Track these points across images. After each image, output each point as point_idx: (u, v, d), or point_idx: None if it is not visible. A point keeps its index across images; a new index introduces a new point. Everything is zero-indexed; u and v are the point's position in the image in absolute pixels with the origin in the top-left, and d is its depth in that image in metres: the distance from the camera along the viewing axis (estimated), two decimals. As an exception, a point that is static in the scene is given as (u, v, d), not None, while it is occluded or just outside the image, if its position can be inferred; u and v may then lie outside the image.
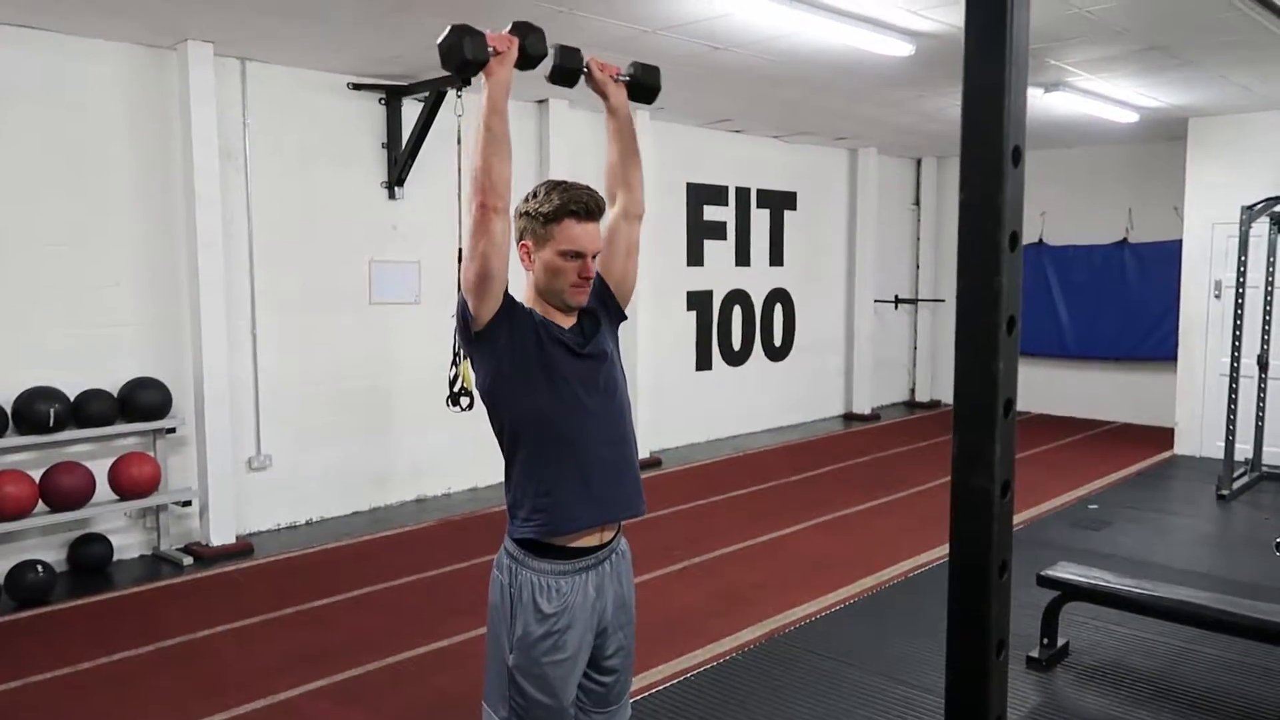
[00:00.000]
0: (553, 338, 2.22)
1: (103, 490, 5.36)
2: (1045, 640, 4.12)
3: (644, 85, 2.43)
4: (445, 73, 7.05)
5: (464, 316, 2.19)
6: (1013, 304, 0.99)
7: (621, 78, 2.42)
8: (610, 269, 2.40)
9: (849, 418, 10.82)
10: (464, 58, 2.05)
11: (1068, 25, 5.25)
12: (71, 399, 5.26)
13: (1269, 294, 7.20)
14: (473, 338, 2.20)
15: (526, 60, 2.19)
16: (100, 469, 5.35)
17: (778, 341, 10.15)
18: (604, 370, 2.29)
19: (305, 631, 4.59)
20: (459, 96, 6.18)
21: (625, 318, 2.44)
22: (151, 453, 5.61)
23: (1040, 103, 7.07)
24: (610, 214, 2.42)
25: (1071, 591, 4.10)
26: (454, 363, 5.75)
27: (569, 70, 2.32)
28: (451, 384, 5.69)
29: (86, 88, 5.45)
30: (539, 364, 2.19)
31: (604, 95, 2.40)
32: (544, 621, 2.17)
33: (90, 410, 5.30)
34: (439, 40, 2.08)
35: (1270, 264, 7.17)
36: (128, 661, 4.23)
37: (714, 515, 6.67)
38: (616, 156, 2.44)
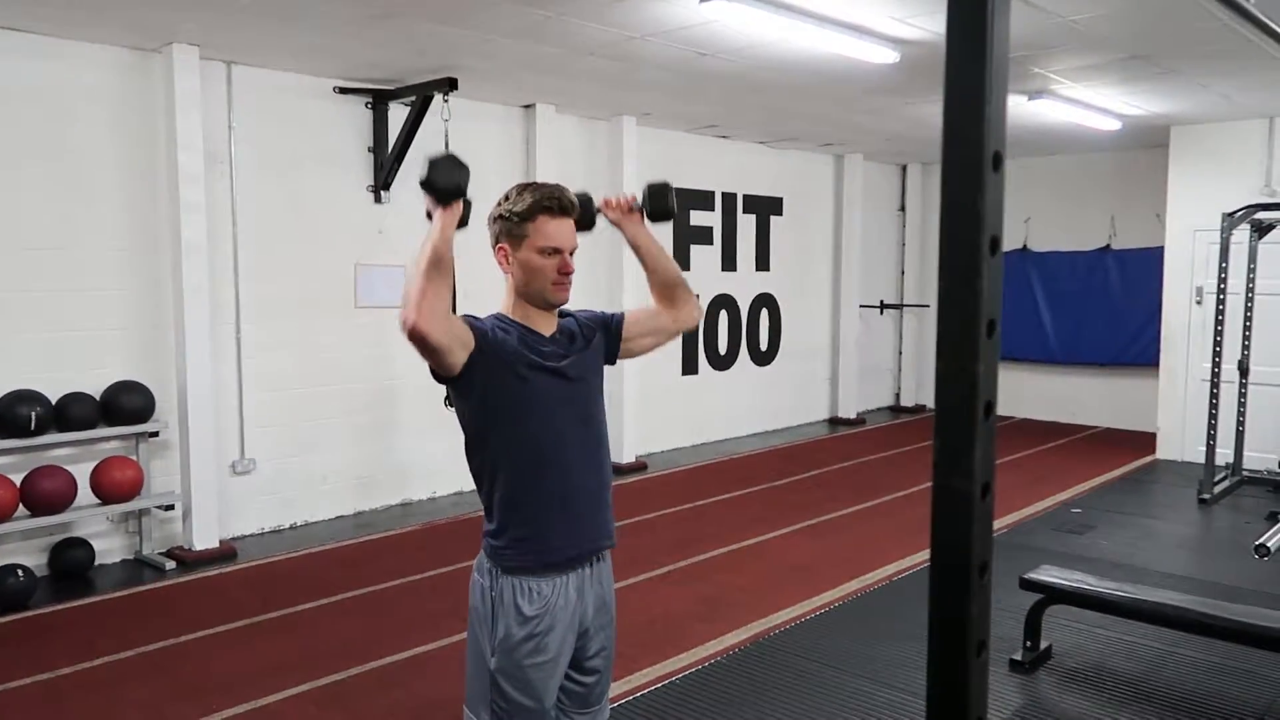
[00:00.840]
0: (534, 348, 2.22)
1: (84, 494, 5.32)
2: (1028, 643, 4.14)
3: (659, 209, 2.46)
4: (433, 76, 7.01)
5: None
6: (993, 307, 0.99)
7: (636, 206, 2.46)
8: (633, 333, 2.44)
9: (834, 422, 10.85)
10: (456, 181, 2.03)
11: (1052, 34, 5.30)
12: (53, 402, 5.22)
13: (1249, 300, 7.27)
14: (446, 382, 2.21)
15: (463, 221, 2.14)
16: (82, 473, 5.32)
17: (764, 346, 10.17)
18: (583, 395, 2.30)
19: (288, 636, 4.57)
20: (445, 101, 6.19)
21: (614, 364, 2.44)
22: (134, 456, 5.57)
23: (1024, 110, 7.12)
24: (664, 309, 2.48)
25: (1054, 595, 4.13)
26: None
27: (585, 218, 2.37)
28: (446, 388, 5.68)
29: (71, 91, 5.42)
30: (516, 396, 2.19)
31: (620, 228, 2.46)
32: (525, 624, 2.17)
33: (72, 414, 5.27)
34: (438, 169, 2.04)
35: (1250, 270, 7.24)
36: (109, 667, 4.20)
37: (699, 519, 6.67)
38: (656, 298, 2.50)
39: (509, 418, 2.19)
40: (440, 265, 2.01)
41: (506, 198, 2.26)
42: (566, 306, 2.37)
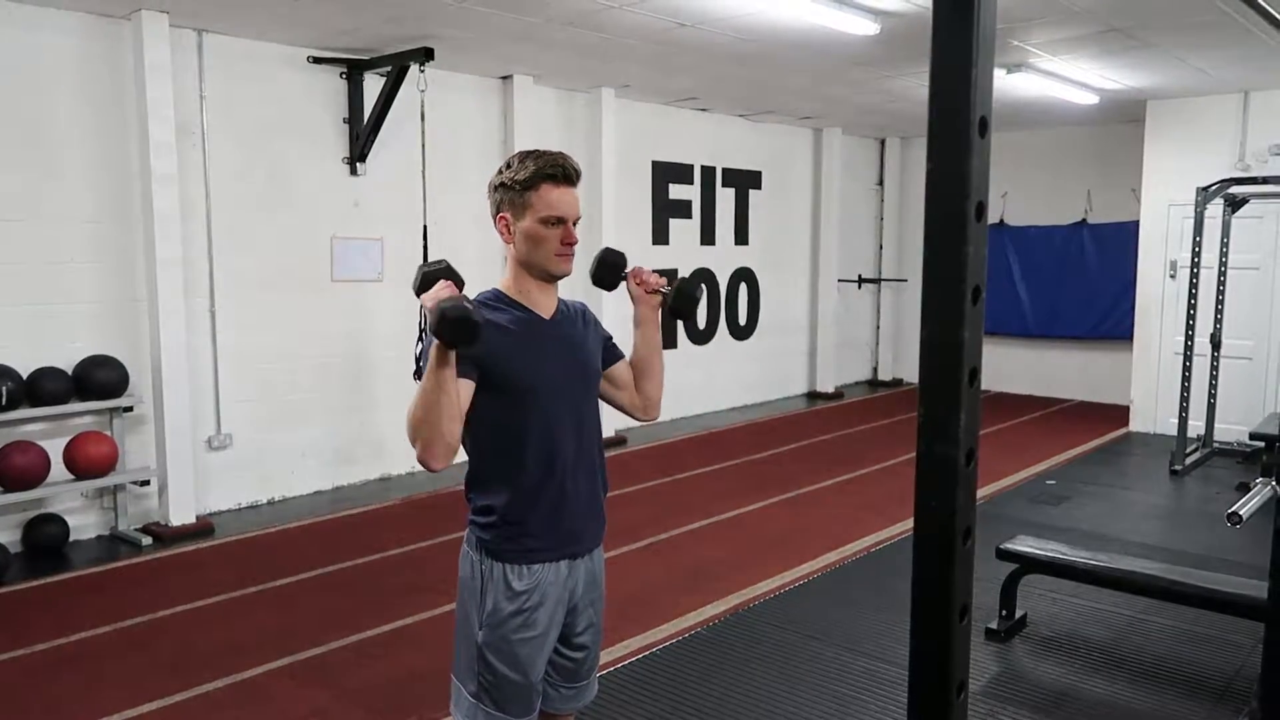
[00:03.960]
0: (532, 331, 2.17)
1: (58, 470, 5.27)
2: (1004, 612, 4.20)
3: (680, 308, 2.37)
4: (408, 46, 6.90)
5: None
6: (978, 274, 0.99)
7: (663, 290, 2.37)
8: (614, 377, 2.39)
9: (813, 396, 10.90)
10: (472, 330, 1.90)
11: (1031, 6, 5.30)
12: (24, 377, 5.15)
13: (1222, 274, 7.35)
14: None
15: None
16: (55, 448, 5.25)
17: (742, 321, 10.18)
18: (582, 376, 2.27)
19: (268, 611, 4.56)
20: (422, 71, 6.11)
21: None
22: (108, 431, 5.51)
23: (1003, 84, 7.13)
24: (637, 395, 2.42)
25: (1029, 564, 4.19)
26: (420, 338, 5.71)
27: (609, 279, 2.36)
28: (418, 359, 5.65)
29: (38, 59, 5.30)
30: (514, 398, 2.14)
31: (635, 304, 2.39)
32: (515, 599, 2.16)
33: (44, 388, 5.20)
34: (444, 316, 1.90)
35: (1224, 245, 7.31)
36: (86, 642, 4.17)
37: (679, 493, 6.70)
38: (637, 385, 2.42)
39: (504, 423, 2.15)
40: (451, 398, 1.97)
41: (508, 165, 2.18)
42: (574, 299, 2.35)
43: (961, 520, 1.00)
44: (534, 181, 2.13)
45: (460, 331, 1.88)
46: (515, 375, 2.14)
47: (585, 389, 2.29)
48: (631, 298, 2.38)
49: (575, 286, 2.56)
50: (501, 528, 2.16)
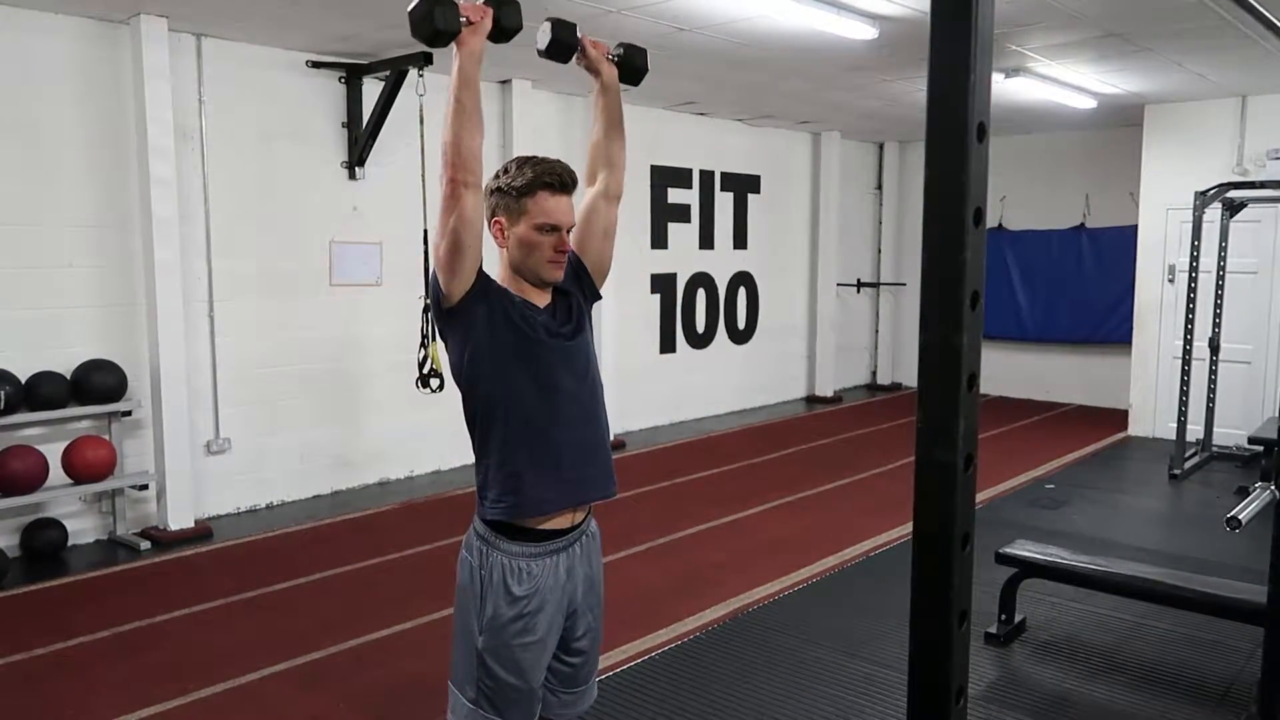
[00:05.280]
0: (529, 318, 2.19)
1: (56, 474, 5.26)
2: (1003, 616, 4.19)
3: (632, 66, 2.43)
4: (407, 51, 6.91)
5: (436, 293, 2.16)
6: (976, 279, 1.00)
7: (611, 56, 2.41)
8: (587, 249, 2.37)
9: (811, 400, 10.90)
10: (435, 28, 1.97)
11: (1029, 11, 5.30)
12: (23, 381, 5.14)
13: (1220, 278, 7.36)
14: (444, 314, 2.17)
15: (500, 33, 2.11)
16: (53, 453, 5.25)
17: (741, 324, 10.19)
18: (580, 352, 2.27)
19: (266, 616, 4.55)
20: (421, 75, 6.11)
21: (600, 298, 2.42)
22: (106, 436, 5.51)
23: (1001, 89, 7.14)
24: (590, 193, 2.41)
25: (1028, 569, 4.18)
26: (423, 344, 5.72)
27: (564, 45, 2.30)
28: (421, 365, 5.66)
29: (36, 63, 5.30)
30: (514, 345, 2.15)
31: (596, 72, 2.39)
32: (514, 604, 2.15)
33: (42, 393, 5.19)
34: (409, 8, 2.00)
35: (1222, 249, 7.32)
36: (84, 647, 4.16)
37: (678, 497, 6.69)
38: (601, 134, 2.43)
39: (501, 367, 2.15)
40: (463, 107, 2.01)
41: (505, 170, 2.20)
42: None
43: (960, 525, 1.00)
44: (531, 189, 2.15)
45: (434, 2, 1.95)
46: (513, 321, 2.16)
47: (584, 350, 2.29)
48: (590, 67, 2.40)
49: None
50: (508, 494, 2.16)
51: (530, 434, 2.17)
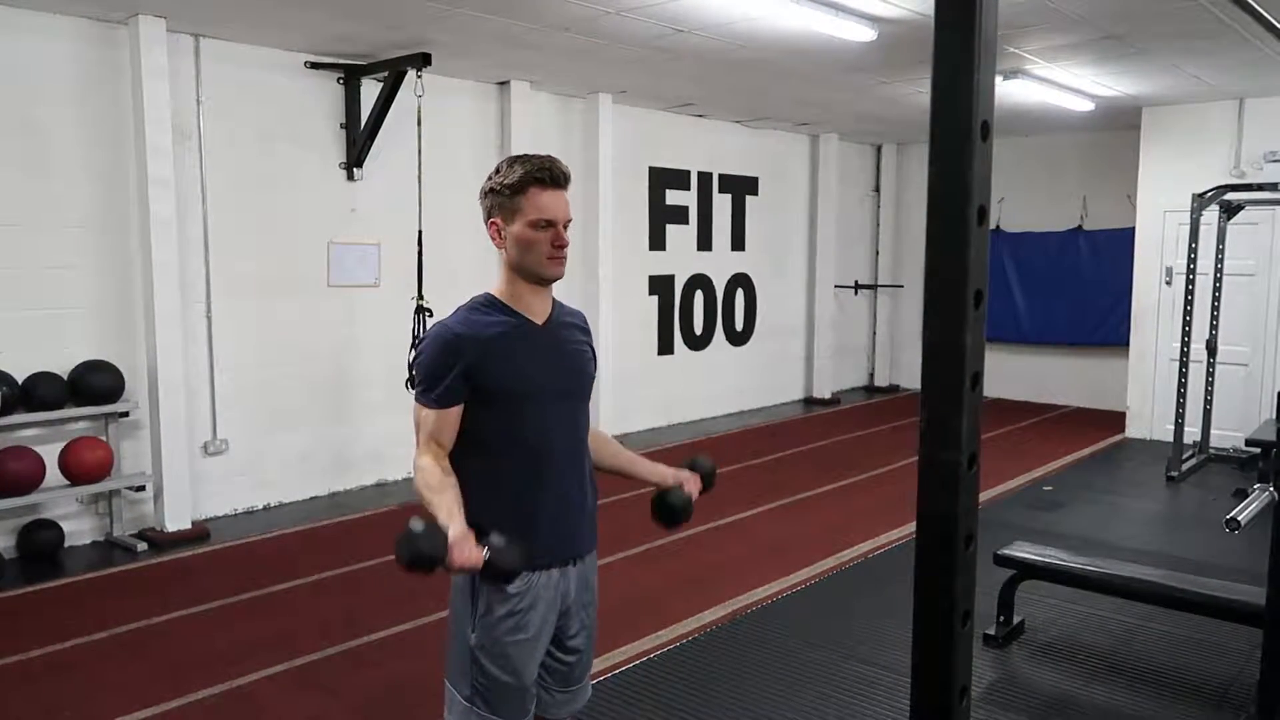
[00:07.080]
0: (523, 350, 2.18)
1: (53, 475, 5.25)
2: (1001, 618, 4.19)
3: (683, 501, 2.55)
4: (405, 52, 6.90)
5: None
6: (980, 278, 0.99)
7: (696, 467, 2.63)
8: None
9: (809, 402, 10.90)
10: (421, 554, 2.10)
11: (1027, 13, 5.31)
12: (20, 382, 5.13)
13: (1218, 280, 7.37)
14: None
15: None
16: (50, 454, 5.24)
17: (739, 326, 10.19)
18: (577, 383, 2.29)
19: (263, 617, 4.54)
20: (419, 77, 6.11)
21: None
22: (103, 437, 5.49)
23: (999, 90, 7.08)
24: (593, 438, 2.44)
25: (1027, 570, 4.18)
26: (414, 345, 5.71)
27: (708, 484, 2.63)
28: (411, 366, 5.65)
29: (35, 63, 5.29)
30: (513, 390, 2.16)
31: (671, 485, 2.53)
32: (507, 601, 2.16)
33: (39, 393, 5.18)
34: (398, 543, 2.15)
35: (1219, 251, 7.33)
36: (81, 649, 4.15)
37: (676, 498, 6.67)
38: (606, 467, 2.49)
39: (495, 419, 2.16)
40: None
41: (497, 170, 2.19)
42: (569, 303, 2.35)
43: (963, 525, 1.00)
44: (522, 185, 2.14)
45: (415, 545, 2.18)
46: (506, 384, 2.15)
47: (578, 395, 2.30)
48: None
49: (572, 294, 2.55)
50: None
51: (521, 494, 2.23)
